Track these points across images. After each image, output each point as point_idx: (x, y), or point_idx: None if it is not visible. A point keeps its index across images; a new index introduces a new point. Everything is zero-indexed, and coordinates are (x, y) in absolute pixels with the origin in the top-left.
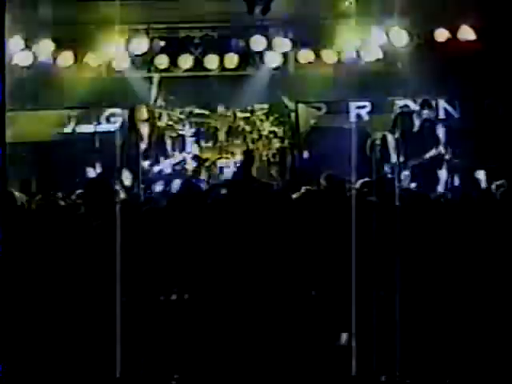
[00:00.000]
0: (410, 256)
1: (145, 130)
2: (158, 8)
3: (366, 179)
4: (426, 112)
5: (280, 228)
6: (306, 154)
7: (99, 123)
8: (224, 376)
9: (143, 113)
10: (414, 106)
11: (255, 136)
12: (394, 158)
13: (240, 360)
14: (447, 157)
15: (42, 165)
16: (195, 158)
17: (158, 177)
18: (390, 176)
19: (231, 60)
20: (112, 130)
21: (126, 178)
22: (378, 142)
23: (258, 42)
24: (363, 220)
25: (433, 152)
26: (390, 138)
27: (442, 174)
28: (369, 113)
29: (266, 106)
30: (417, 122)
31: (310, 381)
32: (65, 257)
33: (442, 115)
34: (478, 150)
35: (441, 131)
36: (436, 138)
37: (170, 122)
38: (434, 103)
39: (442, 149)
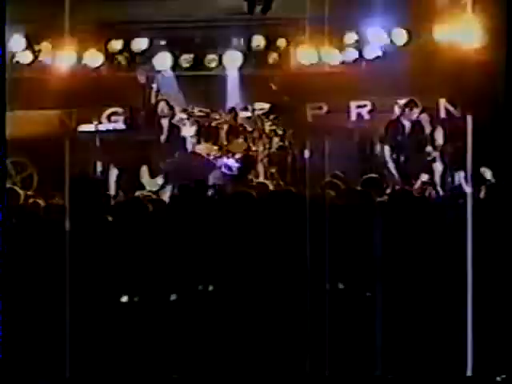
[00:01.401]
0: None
1: (165, 124)
2: (159, 7)
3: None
4: (413, 112)
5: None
6: (306, 154)
7: (100, 122)
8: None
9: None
10: (398, 110)
11: (256, 135)
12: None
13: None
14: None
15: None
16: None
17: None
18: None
19: (231, 59)
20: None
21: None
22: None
23: (258, 42)
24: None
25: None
26: (385, 148)
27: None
28: (369, 112)
29: (266, 105)
30: (407, 125)
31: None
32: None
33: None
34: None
35: (437, 131)
36: (428, 138)
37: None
38: (418, 103)
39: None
